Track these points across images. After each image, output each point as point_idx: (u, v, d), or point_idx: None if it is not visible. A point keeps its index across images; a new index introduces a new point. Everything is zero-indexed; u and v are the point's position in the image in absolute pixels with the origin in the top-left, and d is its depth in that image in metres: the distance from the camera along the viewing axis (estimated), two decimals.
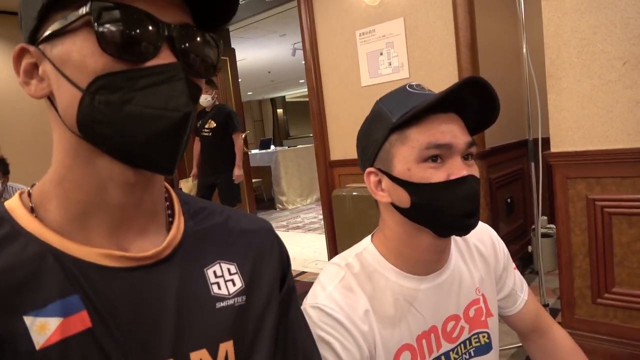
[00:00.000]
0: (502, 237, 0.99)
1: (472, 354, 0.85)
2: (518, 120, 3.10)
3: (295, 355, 0.60)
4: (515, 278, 0.96)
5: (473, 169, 0.73)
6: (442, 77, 2.62)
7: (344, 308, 0.74)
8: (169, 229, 0.53)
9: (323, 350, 0.71)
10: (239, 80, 5.46)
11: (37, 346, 0.41)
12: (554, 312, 2.35)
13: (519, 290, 0.96)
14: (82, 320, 0.44)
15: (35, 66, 0.46)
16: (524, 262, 3.12)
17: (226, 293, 0.54)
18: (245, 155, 5.33)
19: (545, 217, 3.11)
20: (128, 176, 0.46)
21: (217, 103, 3.87)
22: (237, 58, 5.55)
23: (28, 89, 0.47)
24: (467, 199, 0.71)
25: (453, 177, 0.70)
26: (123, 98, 0.42)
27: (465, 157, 0.74)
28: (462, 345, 0.83)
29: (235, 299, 0.54)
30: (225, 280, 0.54)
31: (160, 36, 0.44)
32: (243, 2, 4.13)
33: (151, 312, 0.48)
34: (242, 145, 3.94)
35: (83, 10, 0.41)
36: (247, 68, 8.69)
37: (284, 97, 14.33)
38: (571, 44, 1.83)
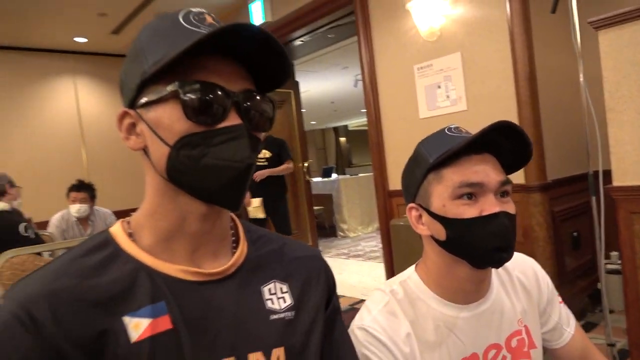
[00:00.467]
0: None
1: None
2: (581, 152, 3.01)
3: None
4: (561, 312, 0.98)
5: (507, 206, 0.78)
6: (500, 109, 2.62)
7: (387, 330, 0.81)
8: (234, 252, 0.65)
9: None
10: (303, 110, 5.68)
11: (132, 340, 0.54)
12: (623, 354, 2.22)
13: (564, 324, 0.97)
14: (165, 323, 0.56)
15: (133, 125, 0.59)
16: (594, 299, 2.96)
17: (278, 307, 0.64)
18: (307, 184, 5.50)
19: (617, 253, 2.95)
20: (203, 210, 0.59)
21: (267, 134, 4.04)
22: (301, 90, 5.78)
23: (128, 143, 0.60)
24: (498, 234, 0.76)
25: (485, 213, 0.76)
26: (201, 153, 0.55)
27: (502, 194, 0.79)
28: None
29: (286, 313, 0.64)
30: (277, 297, 0.65)
31: (229, 102, 0.56)
32: (308, 39, 4.36)
33: (216, 318, 0.59)
34: (286, 170, 4.09)
35: (172, 86, 0.54)
36: (311, 99, 9.01)
37: (346, 125, 14.58)
38: (631, 77, 1.80)
